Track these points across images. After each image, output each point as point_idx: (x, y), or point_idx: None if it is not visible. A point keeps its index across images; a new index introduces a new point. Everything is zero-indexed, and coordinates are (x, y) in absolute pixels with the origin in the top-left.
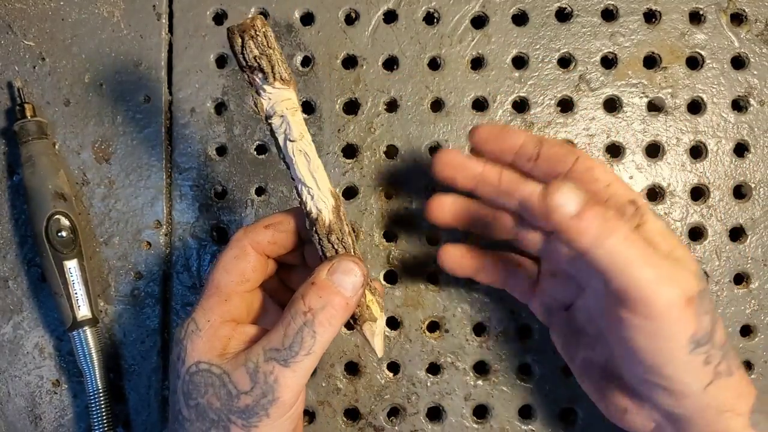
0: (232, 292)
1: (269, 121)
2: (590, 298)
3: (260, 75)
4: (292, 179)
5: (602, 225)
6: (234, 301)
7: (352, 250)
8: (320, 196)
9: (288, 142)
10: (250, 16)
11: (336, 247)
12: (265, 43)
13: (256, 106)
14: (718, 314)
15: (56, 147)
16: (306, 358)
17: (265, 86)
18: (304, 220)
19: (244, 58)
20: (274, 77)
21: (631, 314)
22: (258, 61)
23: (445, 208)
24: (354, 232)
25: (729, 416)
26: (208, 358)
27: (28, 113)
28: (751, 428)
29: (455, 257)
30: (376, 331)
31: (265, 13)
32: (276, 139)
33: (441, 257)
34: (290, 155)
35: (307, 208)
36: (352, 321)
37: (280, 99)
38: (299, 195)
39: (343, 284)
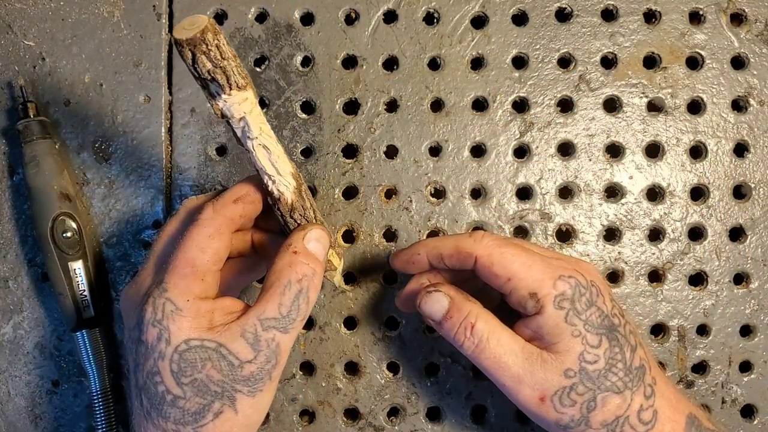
0: (207, 270)
1: (227, 121)
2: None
3: (215, 85)
4: (255, 168)
5: (458, 335)
6: (209, 279)
7: (314, 221)
8: (281, 181)
9: (247, 139)
10: (199, 22)
11: (299, 221)
12: (218, 56)
13: (212, 109)
14: (604, 398)
15: (56, 147)
16: (300, 323)
17: (224, 95)
18: (257, 183)
19: (197, 71)
20: (230, 87)
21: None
22: (212, 74)
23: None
24: (314, 197)
25: None
26: (198, 334)
27: (31, 112)
28: None
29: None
30: (336, 274)
31: (265, 13)
32: (235, 135)
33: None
34: (251, 149)
35: (269, 190)
36: None
37: (237, 102)
38: (262, 180)
39: (318, 250)
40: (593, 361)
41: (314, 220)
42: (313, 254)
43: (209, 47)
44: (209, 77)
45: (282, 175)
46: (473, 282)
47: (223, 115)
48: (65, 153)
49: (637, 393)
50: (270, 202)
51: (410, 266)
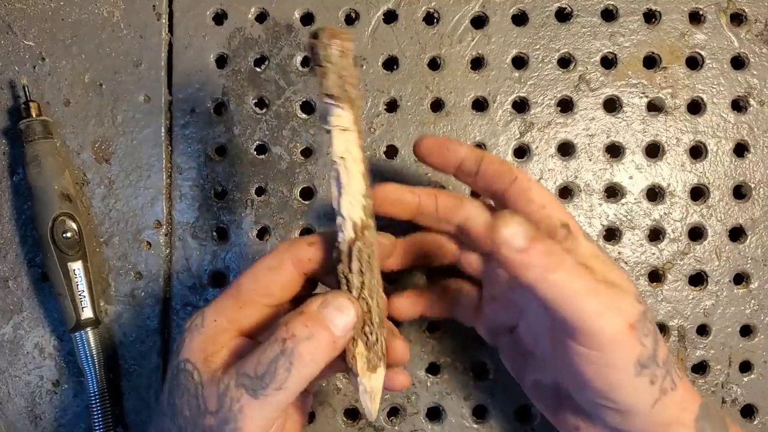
0: (251, 300)
1: (325, 129)
2: (532, 321)
3: (320, 82)
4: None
5: (547, 260)
6: (248, 311)
7: (355, 293)
8: (342, 224)
9: (331, 160)
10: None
11: (339, 279)
12: (326, 56)
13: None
14: (657, 331)
15: (58, 147)
16: (277, 393)
17: (321, 97)
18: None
19: (313, 59)
20: (324, 91)
21: (576, 344)
22: (315, 70)
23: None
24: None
25: (675, 428)
26: (196, 359)
27: (34, 112)
28: None
29: (405, 307)
30: (360, 389)
31: (265, 13)
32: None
33: (392, 311)
34: (331, 171)
35: (335, 228)
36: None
37: (331, 114)
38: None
39: (334, 320)
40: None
41: (356, 289)
42: (322, 319)
43: (321, 44)
44: (315, 73)
45: (344, 218)
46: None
47: (323, 124)
48: (66, 153)
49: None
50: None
51: (441, 153)
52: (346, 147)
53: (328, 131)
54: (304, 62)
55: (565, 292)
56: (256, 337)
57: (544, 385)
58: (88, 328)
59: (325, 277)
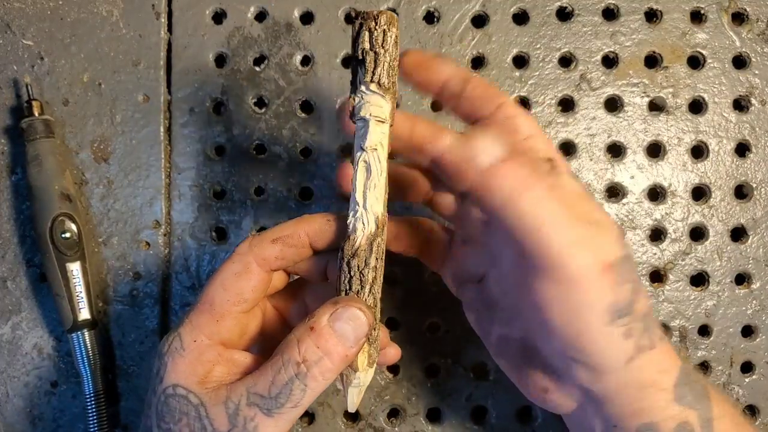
0: (226, 312)
1: (353, 120)
2: (504, 268)
3: (362, 70)
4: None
5: (517, 181)
6: (226, 322)
7: (366, 289)
8: (363, 216)
9: (359, 148)
10: (383, 8)
11: (352, 274)
12: (379, 41)
13: (348, 104)
14: (641, 283)
15: (59, 146)
16: (292, 411)
17: (362, 84)
18: (318, 231)
19: (355, 46)
20: (372, 78)
21: (544, 280)
22: (364, 54)
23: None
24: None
25: (652, 392)
26: (188, 383)
27: (36, 111)
28: (676, 403)
29: None
30: (353, 383)
31: (264, 12)
32: (353, 150)
33: None
34: (355, 162)
35: (347, 221)
36: None
37: (371, 103)
38: (337, 217)
39: (346, 334)
40: (625, 240)
41: (368, 285)
42: (333, 336)
43: (377, 26)
44: (361, 56)
45: (366, 210)
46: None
47: (352, 114)
48: (67, 153)
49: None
50: (340, 239)
51: (423, 70)
52: (380, 139)
53: (361, 119)
54: (304, 61)
55: (534, 220)
56: (240, 344)
57: (510, 340)
58: (86, 330)
59: (301, 268)
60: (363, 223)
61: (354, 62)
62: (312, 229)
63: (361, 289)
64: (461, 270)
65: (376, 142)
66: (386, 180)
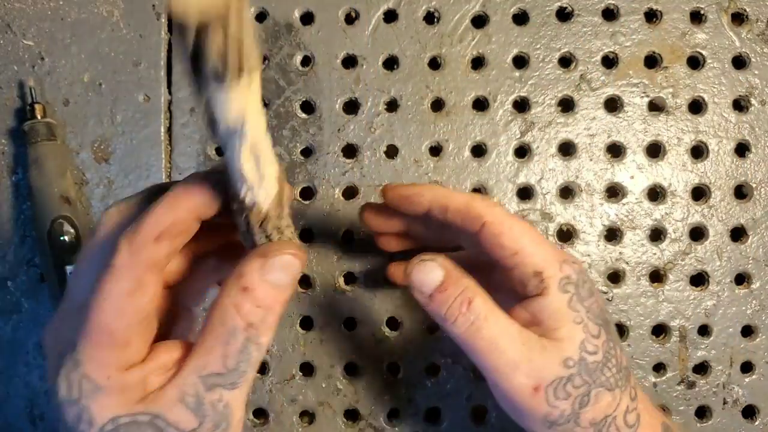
0: (131, 336)
1: (209, 113)
2: None
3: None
4: (227, 167)
5: (447, 312)
6: (134, 344)
7: (286, 235)
8: (263, 188)
9: (234, 134)
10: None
11: (269, 234)
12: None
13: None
14: (597, 393)
15: (61, 149)
16: (253, 372)
17: (223, 79)
18: (202, 205)
19: (194, 54)
20: (239, 71)
21: (492, 387)
22: (222, 55)
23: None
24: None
25: None
26: (127, 409)
27: (39, 114)
28: None
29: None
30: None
31: (264, 13)
32: (210, 128)
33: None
34: (234, 148)
35: (240, 197)
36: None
37: (239, 89)
38: (232, 180)
39: (281, 282)
40: (593, 352)
41: (286, 234)
42: (271, 290)
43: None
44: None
45: (266, 180)
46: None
47: (208, 108)
48: (69, 156)
49: (624, 393)
50: (233, 208)
51: (404, 203)
52: (257, 118)
53: (239, 110)
54: (304, 62)
55: (466, 344)
56: (163, 330)
57: None
58: None
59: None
60: (265, 192)
61: (195, 64)
62: (194, 205)
63: (283, 241)
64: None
65: (240, 109)
66: (267, 133)
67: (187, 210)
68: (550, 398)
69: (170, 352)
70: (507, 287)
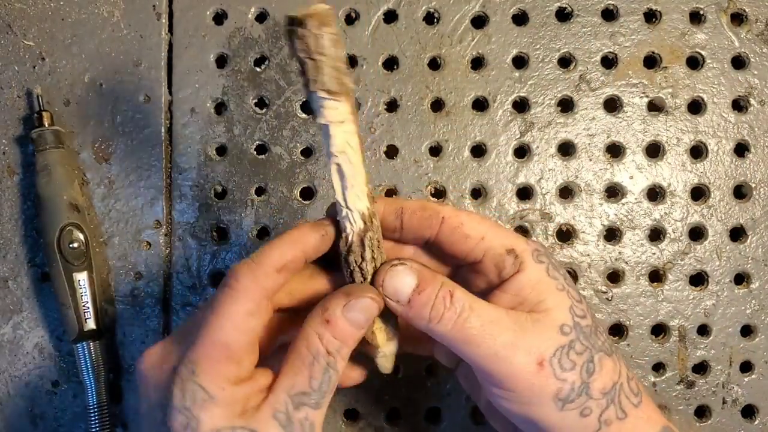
0: (245, 353)
1: (317, 122)
2: None
3: (305, 78)
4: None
5: (429, 313)
6: (246, 362)
7: (369, 280)
8: (349, 216)
9: (328, 154)
10: (318, 8)
11: (352, 269)
12: (313, 47)
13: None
14: (595, 359)
15: (69, 156)
16: (330, 395)
17: (318, 90)
18: (315, 247)
19: (293, 52)
20: (316, 86)
21: (487, 383)
22: (303, 63)
23: None
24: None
25: None
26: (230, 422)
27: (46, 121)
28: None
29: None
30: (379, 355)
31: (264, 13)
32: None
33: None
34: (329, 167)
35: (337, 219)
36: None
37: (326, 108)
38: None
39: (358, 321)
40: (582, 316)
41: (367, 277)
42: (347, 327)
43: (309, 32)
44: (301, 66)
45: (351, 210)
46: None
47: (314, 117)
48: (76, 163)
49: (620, 359)
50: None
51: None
52: (345, 139)
53: (323, 125)
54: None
55: (457, 339)
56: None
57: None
58: (91, 341)
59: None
60: (350, 222)
61: (299, 69)
62: (310, 246)
63: (364, 280)
64: (451, 351)
65: (342, 144)
66: (364, 176)
67: (302, 249)
68: (557, 371)
69: (266, 375)
70: (475, 284)
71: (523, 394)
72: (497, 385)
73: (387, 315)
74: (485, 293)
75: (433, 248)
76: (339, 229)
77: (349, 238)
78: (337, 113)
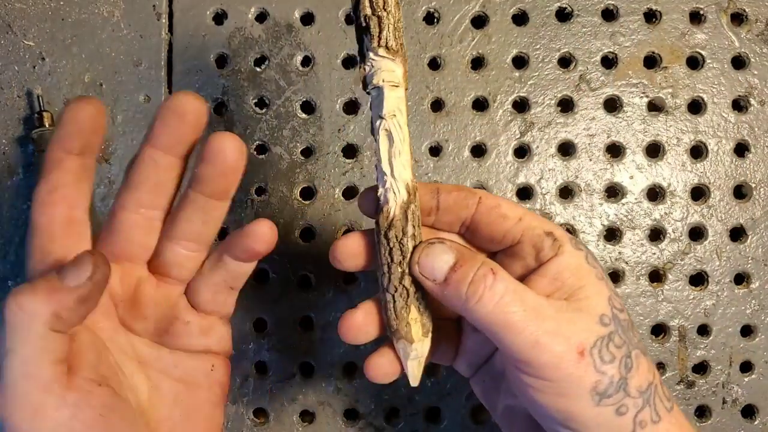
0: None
1: (367, 91)
2: None
3: (368, 37)
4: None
5: (468, 290)
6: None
7: (408, 258)
8: (393, 186)
9: (378, 117)
10: None
11: (392, 245)
12: (380, 4)
13: (358, 74)
14: (633, 356)
15: None
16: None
17: (370, 52)
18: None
19: (356, 14)
20: (379, 42)
21: (523, 374)
22: (368, 20)
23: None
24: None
25: None
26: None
27: (47, 122)
28: None
29: (384, 366)
30: (411, 355)
31: (265, 13)
32: (372, 121)
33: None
34: (376, 132)
35: (377, 193)
36: (389, 332)
37: (382, 69)
38: (377, 175)
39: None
40: (621, 309)
41: (406, 256)
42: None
43: None
44: (364, 23)
45: (395, 179)
46: None
47: (364, 84)
48: None
49: (651, 361)
50: (375, 212)
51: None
52: (397, 105)
53: (375, 88)
54: (305, 62)
55: (496, 322)
56: None
57: (516, 410)
58: None
59: None
60: (394, 192)
61: (358, 31)
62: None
63: (403, 259)
64: (475, 356)
65: (394, 107)
66: (410, 145)
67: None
68: (597, 362)
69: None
70: (511, 270)
71: (560, 384)
72: (534, 375)
73: (423, 306)
74: (521, 279)
75: (468, 235)
76: (378, 205)
77: (392, 212)
78: (393, 75)
